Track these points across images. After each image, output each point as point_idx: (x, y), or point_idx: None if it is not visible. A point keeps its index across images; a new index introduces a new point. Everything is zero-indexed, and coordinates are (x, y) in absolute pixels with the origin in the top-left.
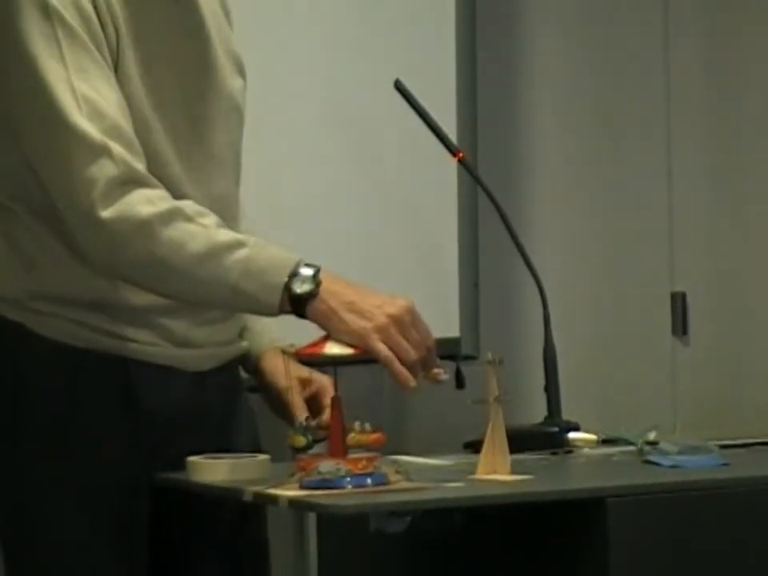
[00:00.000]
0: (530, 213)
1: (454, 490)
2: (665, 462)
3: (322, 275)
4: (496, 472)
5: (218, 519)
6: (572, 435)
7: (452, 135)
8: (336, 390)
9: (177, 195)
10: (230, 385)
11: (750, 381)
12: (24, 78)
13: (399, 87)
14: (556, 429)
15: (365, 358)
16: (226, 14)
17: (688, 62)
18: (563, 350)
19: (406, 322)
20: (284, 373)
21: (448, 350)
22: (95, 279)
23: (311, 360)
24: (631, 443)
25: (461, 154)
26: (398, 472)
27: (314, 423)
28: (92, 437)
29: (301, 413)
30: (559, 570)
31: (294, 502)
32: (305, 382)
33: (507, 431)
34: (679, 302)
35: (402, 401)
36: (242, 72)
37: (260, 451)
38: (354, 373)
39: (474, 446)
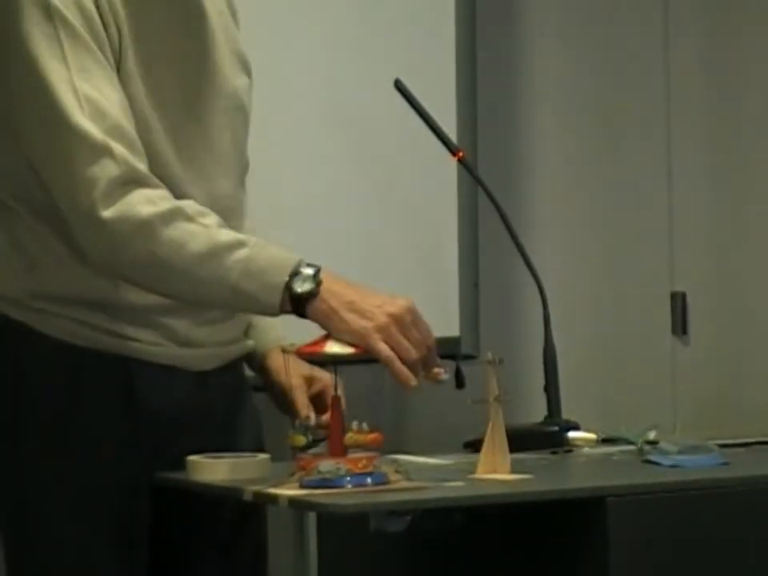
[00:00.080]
0: (530, 213)
1: (453, 489)
2: (665, 461)
3: (322, 275)
4: (496, 471)
5: (218, 519)
6: (572, 434)
7: (452, 135)
8: (336, 389)
9: (178, 195)
10: (233, 384)
11: (749, 381)
12: (26, 78)
13: (399, 87)
14: (556, 428)
15: (365, 357)
16: (233, 13)
17: (688, 62)
18: (563, 349)
19: (407, 322)
20: (289, 371)
21: (448, 350)
22: (97, 279)
23: (311, 359)
24: (631, 443)
25: (461, 154)
26: (397, 471)
27: (313, 423)
28: (92, 436)
29: (305, 411)
30: (559, 569)
31: (293, 502)
32: (310, 381)
33: (507, 431)
34: (679, 302)
35: (402, 401)
36: (247, 71)
37: (263, 451)
38: (354, 372)
39: (474, 446)
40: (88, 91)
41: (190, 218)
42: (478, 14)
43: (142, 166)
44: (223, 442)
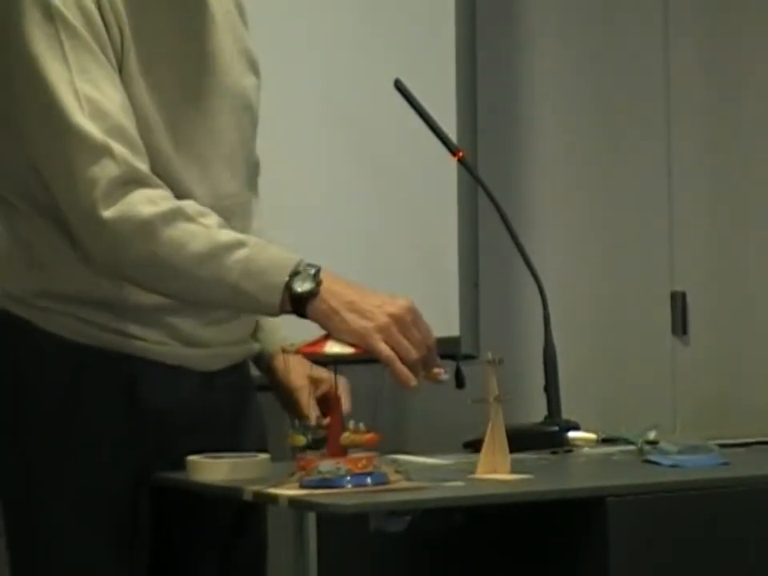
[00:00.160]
0: (530, 213)
1: (453, 489)
2: (665, 461)
3: (322, 275)
4: (496, 471)
5: (218, 519)
6: (572, 434)
7: (452, 135)
8: (336, 389)
9: (181, 194)
10: (240, 385)
11: (749, 380)
12: (27, 79)
13: (399, 87)
14: (556, 428)
15: (365, 357)
16: (241, 13)
17: (688, 62)
18: (563, 349)
19: (407, 322)
20: (296, 372)
21: (448, 350)
22: (102, 278)
23: (311, 359)
24: (631, 443)
25: (461, 154)
26: (397, 471)
27: (314, 423)
28: (94, 434)
29: (311, 412)
30: (559, 569)
31: (293, 502)
32: (316, 382)
33: (507, 431)
34: (679, 302)
35: (401, 401)
36: (256, 71)
37: (267, 451)
38: (353, 373)
39: (474, 446)
40: (89, 91)
41: (190, 218)
42: (478, 14)
43: (142, 166)
44: (231, 443)
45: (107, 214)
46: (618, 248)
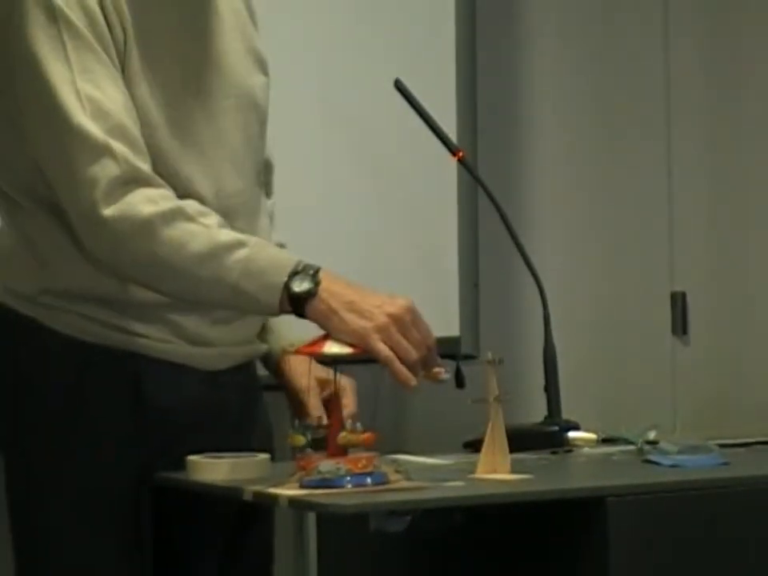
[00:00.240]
0: (530, 213)
1: (453, 489)
2: (665, 461)
3: (321, 275)
4: (496, 471)
5: (219, 519)
6: (572, 434)
7: (452, 135)
8: (336, 390)
9: (183, 193)
10: (246, 384)
11: (749, 380)
12: (29, 79)
13: (399, 87)
14: (556, 428)
15: (364, 357)
16: (251, 12)
17: (688, 62)
18: (563, 349)
19: (407, 322)
20: (303, 373)
21: (448, 350)
22: (105, 275)
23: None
24: (631, 442)
25: (461, 153)
26: (397, 471)
27: (314, 423)
28: (98, 433)
29: (316, 413)
30: (559, 569)
31: (293, 502)
32: (324, 383)
33: (507, 431)
34: (679, 302)
35: (401, 401)
36: (264, 70)
37: (274, 453)
38: (353, 373)
39: (474, 446)
40: (90, 92)
41: (190, 218)
42: (478, 14)
43: (144, 166)
44: (237, 442)
45: (107, 213)
46: (618, 248)
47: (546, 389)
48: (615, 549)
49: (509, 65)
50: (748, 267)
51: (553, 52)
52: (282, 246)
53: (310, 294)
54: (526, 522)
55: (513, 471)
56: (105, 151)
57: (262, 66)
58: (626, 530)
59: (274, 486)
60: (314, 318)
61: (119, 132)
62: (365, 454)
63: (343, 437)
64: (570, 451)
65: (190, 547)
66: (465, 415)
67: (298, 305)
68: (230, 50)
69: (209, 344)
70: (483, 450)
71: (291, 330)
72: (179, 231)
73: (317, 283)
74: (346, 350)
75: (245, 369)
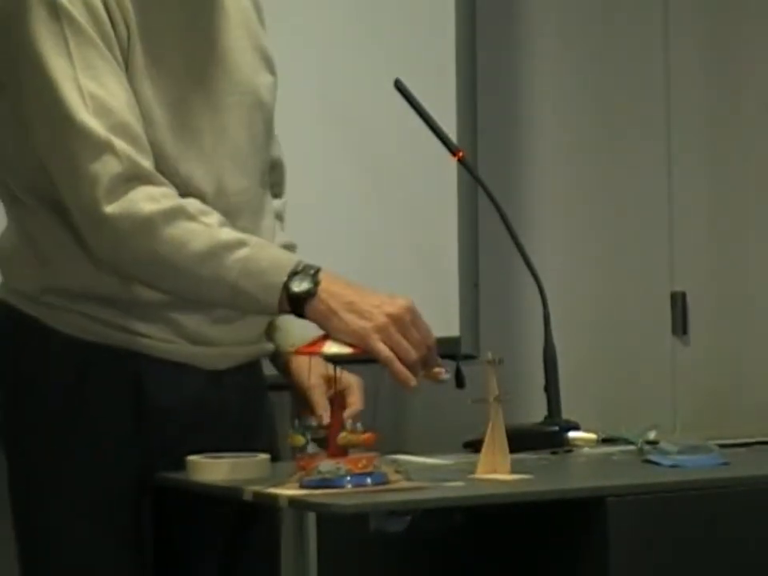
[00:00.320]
0: (530, 213)
1: (453, 489)
2: (665, 461)
3: (321, 275)
4: (496, 471)
5: (219, 519)
6: (572, 434)
7: (452, 135)
8: (336, 390)
9: (184, 191)
10: (249, 385)
11: (749, 380)
12: (32, 76)
13: (399, 87)
14: (556, 428)
15: (364, 357)
16: (258, 11)
17: (688, 62)
18: (563, 349)
19: (406, 322)
20: (309, 372)
21: (448, 350)
22: (107, 274)
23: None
24: (631, 443)
25: (461, 153)
26: (397, 471)
27: (314, 423)
28: (98, 433)
29: (322, 412)
30: (559, 569)
31: (293, 502)
32: (330, 381)
33: (507, 431)
34: (679, 302)
35: (401, 401)
36: (271, 68)
37: (278, 454)
38: (353, 373)
39: (474, 446)
40: (93, 88)
41: (191, 217)
42: (478, 14)
43: (146, 163)
44: (238, 442)
45: (109, 210)
46: (618, 248)
47: (546, 389)
48: (615, 549)
49: (509, 65)
50: (748, 267)
51: (553, 52)
52: (291, 246)
53: (310, 294)
54: (526, 521)
55: (513, 471)
56: (107, 148)
57: (269, 65)
58: (625, 529)
59: (274, 485)
60: (313, 318)
61: (121, 129)
62: (365, 454)
63: (343, 437)
64: (570, 451)
65: (190, 547)
66: (465, 415)
67: (297, 305)
68: (235, 48)
69: (210, 343)
70: (483, 450)
71: (300, 327)
72: (180, 230)
73: (316, 283)
74: (345, 350)
75: (248, 369)
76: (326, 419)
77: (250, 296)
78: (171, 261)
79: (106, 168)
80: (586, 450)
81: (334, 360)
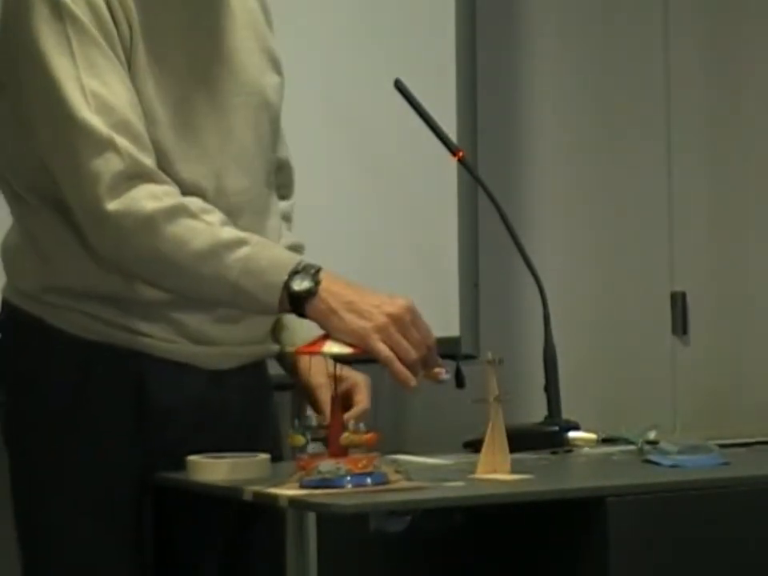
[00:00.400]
0: (530, 213)
1: (453, 489)
2: (665, 461)
3: (321, 275)
4: (496, 471)
5: (219, 519)
6: (572, 434)
7: (452, 135)
8: (335, 390)
9: (186, 190)
10: (252, 385)
11: (749, 380)
12: (34, 74)
13: (399, 87)
14: (556, 428)
15: (364, 357)
16: (265, 12)
17: (688, 62)
18: (563, 349)
19: (406, 322)
20: (317, 370)
21: (448, 350)
22: (109, 273)
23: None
24: (631, 442)
25: (461, 153)
26: (397, 471)
27: (314, 423)
28: (100, 433)
29: (327, 411)
30: (559, 569)
31: (293, 502)
32: (338, 380)
33: (507, 430)
34: (679, 302)
35: (401, 401)
36: (278, 69)
37: (281, 455)
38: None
39: (474, 446)
40: (95, 87)
41: (193, 215)
42: (477, 14)
43: (148, 161)
44: (240, 442)
45: (111, 207)
46: (618, 248)
47: (546, 389)
48: (615, 549)
49: (509, 65)
50: (748, 267)
51: (553, 52)
52: (299, 246)
53: (310, 294)
54: (526, 521)
55: (513, 471)
56: (109, 146)
57: (276, 66)
58: (626, 529)
59: (274, 485)
60: (313, 318)
61: (123, 127)
62: (365, 454)
63: (346, 437)
64: (570, 451)
65: (191, 547)
66: (465, 415)
67: (297, 304)
68: (241, 49)
69: (212, 343)
70: (483, 450)
71: (307, 327)
72: (181, 228)
73: (317, 282)
74: (345, 349)
75: (252, 369)
76: (323, 420)
77: (251, 295)
78: (172, 259)
79: (108, 165)
80: (586, 449)
81: (334, 360)
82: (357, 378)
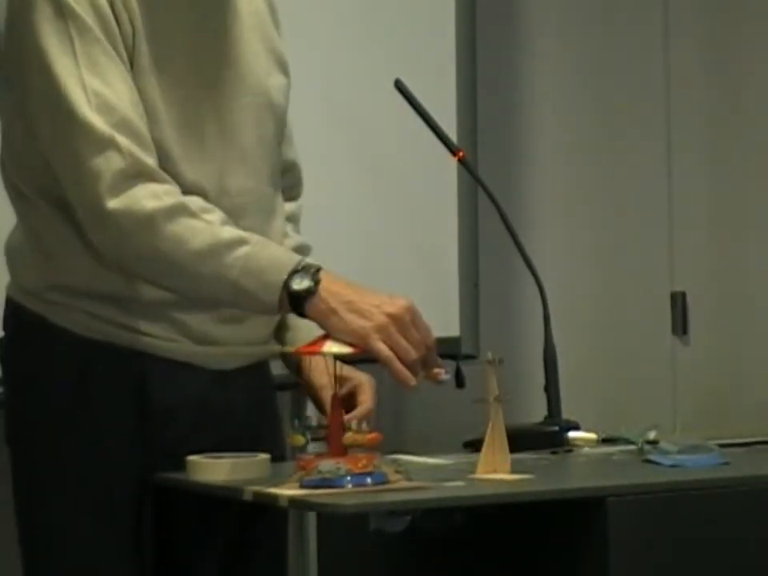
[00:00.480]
0: (530, 213)
1: (453, 489)
2: (665, 461)
3: (321, 274)
4: (496, 471)
5: (219, 519)
6: (572, 434)
7: (452, 135)
8: (335, 389)
9: (187, 190)
10: (255, 385)
11: (749, 380)
12: (37, 73)
13: (399, 87)
14: (556, 428)
15: (364, 357)
16: (272, 13)
17: (688, 62)
18: (563, 349)
19: (406, 322)
20: (322, 370)
21: (448, 350)
22: (111, 272)
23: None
24: (631, 442)
25: (461, 153)
26: (397, 471)
27: (314, 423)
28: (101, 432)
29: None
30: (559, 569)
31: (294, 501)
32: (341, 380)
33: (507, 430)
34: (679, 302)
35: (401, 401)
36: (284, 70)
37: (284, 455)
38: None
39: (474, 446)
40: (97, 86)
41: (193, 214)
42: (477, 14)
43: (149, 160)
44: (244, 443)
45: (111, 206)
46: (618, 248)
47: (546, 389)
48: (615, 549)
49: (509, 65)
50: (748, 267)
51: (553, 52)
52: (306, 247)
53: (310, 293)
54: (526, 521)
55: (513, 471)
56: (110, 144)
57: (282, 67)
58: (625, 529)
59: (274, 485)
60: (313, 317)
61: (125, 126)
62: (365, 454)
63: (349, 437)
64: (570, 451)
65: (191, 547)
66: (465, 415)
67: (297, 303)
68: (247, 50)
69: (215, 343)
70: (483, 450)
71: (311, 327)
72: (181, 227)
73: (316, 282)
74: (345, 349)
75: (255, 369)
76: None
77: (251, 294)
78: (173, 258)
79: (109, 164)
80: (586, 450)
81: (339, 360)
82: (361, 379)
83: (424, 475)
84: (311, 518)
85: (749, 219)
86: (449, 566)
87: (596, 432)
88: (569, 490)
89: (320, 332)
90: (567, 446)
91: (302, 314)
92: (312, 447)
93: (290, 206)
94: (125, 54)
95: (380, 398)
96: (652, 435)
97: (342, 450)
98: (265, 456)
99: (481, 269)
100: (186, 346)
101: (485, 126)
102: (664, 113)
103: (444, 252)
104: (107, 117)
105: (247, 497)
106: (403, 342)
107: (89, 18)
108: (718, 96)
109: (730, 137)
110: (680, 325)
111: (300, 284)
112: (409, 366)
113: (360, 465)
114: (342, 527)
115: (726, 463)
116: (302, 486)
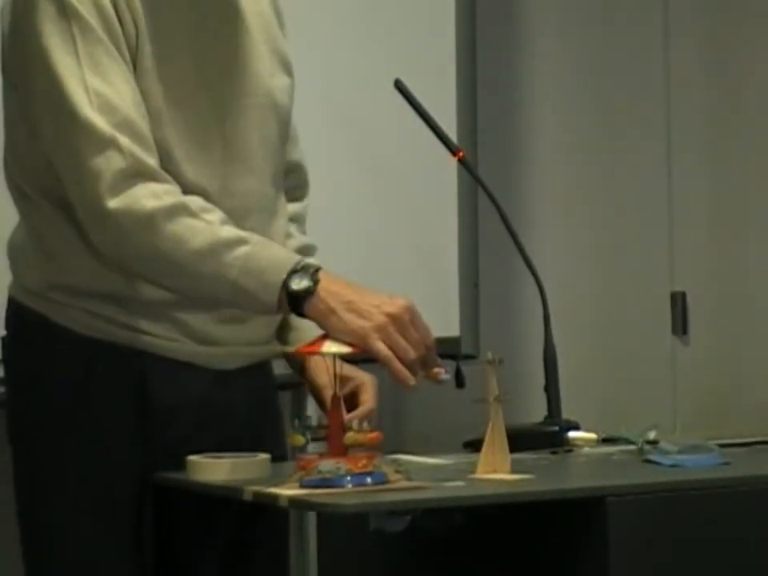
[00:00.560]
0: (530, 213)
1: (453, 489)
2: (665, 461)
3: (321, 274)
4: (496, 471)
5: (219, 519)
6: (572, 434)
7: (452, 135)
8: (335, 389)
9: (189, 190)
10: (257, 385)
11: (749, 380)
12: (39, 73)
13: (399, 87)
14: (556, 428)
15: (364, 356)
16: (277, 14)
17: (688, 62)
18: (563, 349)
19: (405, 321)
20: (321, 371)
21: (448, 350)
22: (112, 271)
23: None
24: (631, 442)
25: (461, 153)
26: (397, 471)
27: (315, 422)
28: (102, 431)
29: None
30: (559, 569)
31: (294, 501)
32: (344, 379)
33: (507, 430)
34: (679, 302)
35: (401, 401)
36: (288, 71)
37: (285, 455)
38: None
39: (474, 446)
40: (99, 86)
41: (193, 214)
42: (477, 14)
43: (150, 161)
44: (245, 443)
45: (112, 205)
46: (618, 248)
47: (546, 389)
48: (615, 549)
49: (509, 65)
50: (748, 267)
51: (553, 52)
52: (312, 248)
53: (309, 293)
54: (526, 522)
55: (513, 471)
56: (111, 144)
57: (286, 68)
58: (626, 529)
59: (274, 485)
60: (312, 317)
61: (126, 126)
62: (365, 454)
63: (350, 436)
64: (570, 451)
65: (191, 547)
66: (465, 415)
67: (296, 303)
68: (251, 51)
69: (216, 343)
70: (483, 450)
71: (314, 327)
72: (181, 226)
73: (316, 282)
74: (344, 349)
75: (257, 369)
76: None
77: (250, 294)
78: (172, 257)
79: (110, 164)
80: (586, 449)
81: (342, 359)
82: (363, 378)
83: (424, 475)
84: (311, 517)
85: (749, 219)
86: (449, 566)
87: (596, 432)
88: (569, 489)
89: (319, 331)
90: (567, 446)
91: (301, 314)
92: (312, 447)
93: (295, 207)
94: (127, 55)
95: (380, 398)
96: (652, 435)
97: (343, 450)
98: (265, 456)
99: (481, 269)
100: (187, 346)
101: (485, 126)
102: (664, 113)
103: (444, 252)
104: (109, 117)
105: (247, 497)
106: (402, 342)
107: (92, 19)
108: (718, 96)
109: (730, 137)
110: (680, 325)
111: (299, 284)
112: (408, 365)
113: (360, 465)
114: (341, 527)
115: (726, 463)
116: (302, 486)
